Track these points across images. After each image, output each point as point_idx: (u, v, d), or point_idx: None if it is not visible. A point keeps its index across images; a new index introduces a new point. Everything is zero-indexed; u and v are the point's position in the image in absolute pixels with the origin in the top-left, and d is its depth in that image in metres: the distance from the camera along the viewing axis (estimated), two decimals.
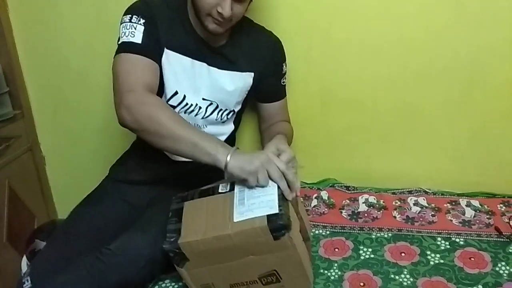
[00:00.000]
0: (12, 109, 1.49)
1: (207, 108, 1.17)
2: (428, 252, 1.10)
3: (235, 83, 1.17)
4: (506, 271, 1.03)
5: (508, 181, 1.32)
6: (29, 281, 1.04)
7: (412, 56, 1.25)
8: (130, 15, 1.05)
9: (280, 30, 1.23)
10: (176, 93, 1.13)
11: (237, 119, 1.28)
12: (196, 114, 1.16)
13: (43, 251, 1.16)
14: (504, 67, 1.20)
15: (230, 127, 1.27)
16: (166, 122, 0.92)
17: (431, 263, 1.07)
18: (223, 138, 1.25)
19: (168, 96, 1.13)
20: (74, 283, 0.98)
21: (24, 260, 1.47)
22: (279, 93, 1.28)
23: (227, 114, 1.22)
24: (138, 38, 1.02)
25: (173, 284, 1.05)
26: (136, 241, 0.98)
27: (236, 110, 1.24)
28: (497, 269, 1.04)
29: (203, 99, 1.16)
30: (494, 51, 1.19)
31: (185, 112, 1.16)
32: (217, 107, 1.18)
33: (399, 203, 1.30)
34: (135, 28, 1.03)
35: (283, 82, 1.26)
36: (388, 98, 1.31)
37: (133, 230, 1.04)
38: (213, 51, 1.13)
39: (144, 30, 1.03)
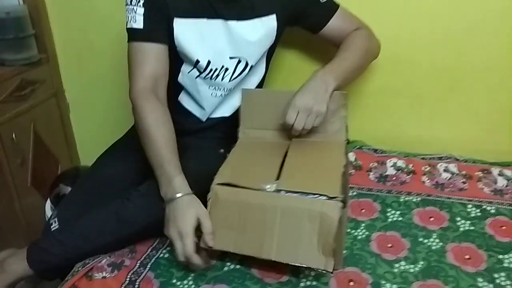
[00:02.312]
0: (38, 53, 1.47)
1: (236, 67, 1.10)
2: (458, 219, 1.08)
3: (258, 32, 1.08)
4: None
5: None
6: (56, 222, 1.06)
7: (455, 16, 1.18)
8: None
9: None
10: (197, 61, 1.07)
11: (268, 62, 1.19)
12: (223, 78, 1.10)
13: (69, 195, 1.17)
14: None
15: (261, 73, 1.19)
16: (151, 142, 0.96)
17: (461, 229, 1.05)
18: (255, 83, 1.19)
19: (190, 67, 1.08)
20: (101, 222, 0.99)
21: (48, 204, 1.49)
22: (324, 12, 1.13)
23: (256, 65, 1.14)
24: (139, 23, 0.99)
25: None
26: None
27: (265, 55, 1.16)
28: None
29: (230, 57, 1.09)
30: None
31: (211, 79, 1.10)
32: (246, 64, 1.11)
33: (428, 168, 1.27)
34: (135, 12, 0.99)
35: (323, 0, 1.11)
36: (425, 59, 1.25)
37: None
38: (228, 3, 1.04)
39: (145, 11, 0.98)
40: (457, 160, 1.31)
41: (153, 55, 1.01)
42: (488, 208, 1.11)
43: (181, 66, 1.09)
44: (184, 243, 0.87)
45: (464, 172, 1.25)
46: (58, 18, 1.50)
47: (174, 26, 1.02)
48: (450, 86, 1.28)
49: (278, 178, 0.91)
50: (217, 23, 1.05)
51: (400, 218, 1.09)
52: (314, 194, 0.84)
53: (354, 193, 1.19)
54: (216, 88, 1.12)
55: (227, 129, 1.19)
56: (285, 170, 0.92)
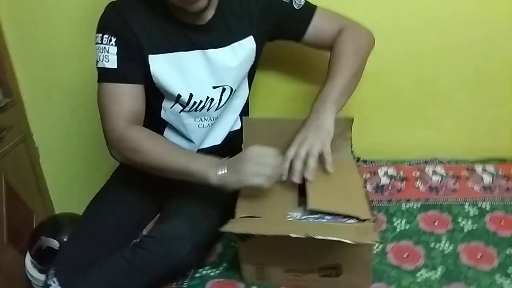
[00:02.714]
0: (2, 97, 1.36)
1: (221, 96, 1.06)
2: (460, 219, 1.13)
3: (238, 56, 1.04)
4: None
5: None
6: (56, 283, 0.97)
7: (429, 32, 1.25)
8: (101, 34, 0.94)
9: None
10: (179, 96, 1.01)
11: (250, 81, 1.16)
12: (209, 109, 1.06)
13: (65, 249, 1.08)
14: None
15: (244, 94, 1.15)
16: (151, 155, 0.92)
17: (465, 229, 1.10)
18: (238, 111, 1.15)
19: (172, 103, 1.03)
20: (114, 276, 0.93)
21: (28, 258, 1.39)
22: (302, 17, 1.07)
23: (239, 86, 1.11)
24: (112, 62, 0.94)
25: (213, 270, 1.01)
26: (179, 225, 0.94)
27: (248, 75, 1.12)
28: None
29: (214, 87, 1.05)
30: (509, 23, 1.21)
31: (195, 111, 1.05)
32: (231, 90, 1.07)
33: (418, 173, 1.32)
34: (107, 51, 0.93)
35: (298, 6, 1.06)
36: (405, 72, 1.31)
37: (171, 216, 0.99)
38: (203, 31, 0.99)
39: (118, 50, 0.93)
40: (441, 162, 1.37)
41: (129, 95, 0.96)
42: (483, 205, 1.17)
43: (162, 102, 1.04)
44: (268, 163, 0.87)
45: (451, 173, 1.31)
46: (21, 57, 1.39)
47: (149, 63, 0.97)
48: (430, 95, 1.35)
49: (300, 204, 0.90)
50: (196, 54, 1.00)
51: (408, 226, 1.11)
52: (344, 216, 0.84)
53: None
54: (203, 119, 1.08)
55: (221, 158, 1.16)
56: (310, 193, 0.90)
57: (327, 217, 0.88)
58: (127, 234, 1.07)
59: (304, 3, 1.08)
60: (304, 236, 0.78)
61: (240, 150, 1.21)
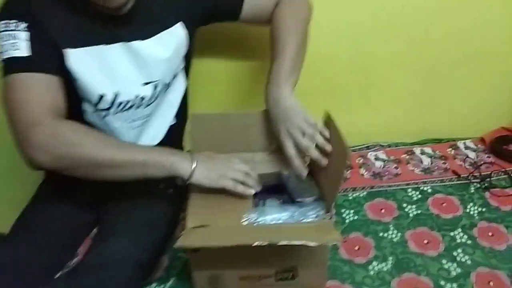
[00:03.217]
0: None
1: (153, 92, 0.95)
2: (404, 205, 1.14)
3: (167, 46, 0.93)
4: (476, 211, 1.11)
5: (452, 125, 1.42)
6: None
7: (367, 11, 1.22)
8: (6, 20, 0.79)
9: None
10: (101, 96, 0.89)
11: (186, 73, 1.06)
12: (138, 107, 0.95)
13: None
14: (449, 17, 1.23)
15: (180, 88, 1.06)
16: (97, 150, 0.79)
17: (410, 215, 1.11)
18: (175, 107, 1.06)
19: (94, 103, 0.90)
20: None
21: None
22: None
23: (173, 80, 1.01)
24: (23, 49, 0.78)
25: (161, 286, 0.94)
26: (120, 244, 0.86)
27: (181, 68, 1.02)
28: (467, 210, 1.11)
29: (145, 84, 0.93)
30: (444, 2, 1.22)
31: (122, 111, 0.93)
32: (165, 84, 0.97)
33: (362, 160, 1.32)
34: (16, 38, 0.78)
35: None
36: (343, 56, 1.29)
37: (108, 232, 0.91)
38: (124, 22, 0.87)
39: (30, 36, 0.79)
40: (382, 146, 1.39)
41: (47, 86, 0.81)
42: (425, 188, 1.20)
43: (81, 105, 0.91)
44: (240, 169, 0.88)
45: (392, 157, 1.33)
46: None
47: (66, 58, 0.84)
48: (367, 78, 1.34)
49: (255, 205, 0.86)
50: (119, 47, 0.88)
51: (356, 217, 1.11)
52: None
53: None
54: (133, 119, 0.98)
55: None
56: None
57: (283, 215, 0.85)
58: (59, 257, 0.97)
59: None
60: (267, 243, 0.73)
61: (180, 146, 1.15)
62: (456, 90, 1.36)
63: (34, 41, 0.80)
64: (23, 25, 0.79)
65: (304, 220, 0.85)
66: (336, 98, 1.36)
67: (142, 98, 0.94)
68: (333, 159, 0.88)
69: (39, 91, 0.79)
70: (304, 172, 0.91)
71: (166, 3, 0.92)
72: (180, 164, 0.84)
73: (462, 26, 1.25)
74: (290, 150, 0.90)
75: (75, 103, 0.90)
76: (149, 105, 0.97)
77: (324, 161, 0.89)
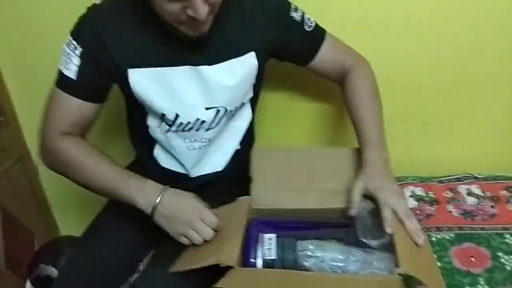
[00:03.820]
0: None
1: (214, 118, 0.93)
2: (500, 254, 0.98)
3: (235, 75, 0.90)
4: None
5: None
6: None
7: (459, 30, 1.08)
8: (71, 38, 0.85)
9: (309, 10, 1.01)
10: (163, 115, 0.91)
11: (254, 103, 1.04)
12: (198, 129, 0.94)
13: (59, 283, 0.97)
14: None
15: (246, 117, 1.03)
16: (81, 170, 0.87)
17: (507, 268, 0.94)
18: (240, 134, 1.03)
19: (158, 121, 0.93)
20: None
21: (29, 286, 1.32)
22: (312, 42, 0.97)
23: (239, 109, 0.98)
24: (72, 72, 0.85)
25: None
26: (161, 278, 0.82)
27: (248, 97, 0.99)
28: None
29: (207, 108, 0.92)
30: None
31: (183, 131, 0.94)
32: (226, 111, 0.94)
33: (451, 193, 1.16)
34: (70, 59, 0.85)
35: (309, 27, 0.95)
36: (427, 78, 1.15)
37: (157, 262, 0.90)
38: (195, 46, 0.86)
39: (81, 64, 0.84)
40: (477, 179, 1.21)
41: (78, 111, 0.89)
42: None
43: (146, 120, 0.95)
44: (203, 217, 0.81)
45: (489, 194, 1.15)
46: (14, 74, 1.30)
47: (128, 77, 0.87)
48: (460, 101, 1.19)
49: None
50: (185, 70, 0.87)
51: (439, 263, 0.97)
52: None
53: None
54: (193, 140, 0.96)
55: (226, 187, 1.04)
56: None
57: (344, 258, 0.76)
58: (123, 268, 0.98)
59: (315, 26, 0.96)
60: None
61: (245, 175, 1.10)
62: None
63: (83, 70, 0.85)
64: (79, 50, 0.84)
65: (367, 271, 0.74)
66: (424, 124, 1.23)
67: (203, 122, 0.93)
68: None
69: (65, 113, 0.88)
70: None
71: (241, 30, 0.89)
72: (139, 202, 0.83)
73: None
74: (388, 214, 0.79)
75: (141, 117, 0.94)
76: (209, 129, 0.95)
77: (419, 240, 0.78)
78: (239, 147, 1.05)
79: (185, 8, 0.73)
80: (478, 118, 1.20)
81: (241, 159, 1.07)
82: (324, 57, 0.98)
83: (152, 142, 0.99)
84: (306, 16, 0.95)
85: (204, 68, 0.88)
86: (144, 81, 0.87)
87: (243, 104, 0.99)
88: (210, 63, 0.88)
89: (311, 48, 0.98)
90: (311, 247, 0.74)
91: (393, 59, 1.13)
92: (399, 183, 1.20)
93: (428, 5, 1.05)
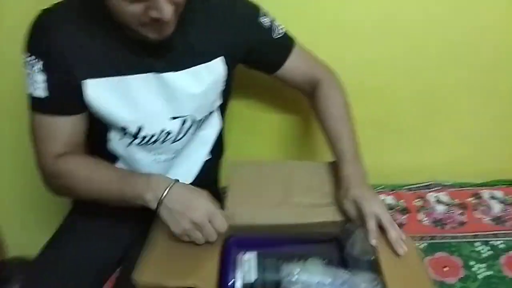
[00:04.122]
0: None
1: (181, 128, 0.88)
2: (472, 263, 0.99)
3: (202, 81, 0.85)
4: None
5: None
6: None
7: (432, 36, 1.08)
8: (27, 54, 0.77)
9: (282, 14, 0.99)
10: (124, 129, 0.84)
11: (223, 110, 1.00)
12: (164, 141, 0.88)
13: None
14: None
15: (215, 125, 0.99)
16: (84, 188, 0.81)
17: (479, 277, 0.96)
18: (209, 144, 0.99)
19: (119, 134, 0.86)
20: None
21: None
22: (280, 49, 0.93)
23: (207, 117, 0.94)
24: (41, 90, 0.77)
25: None
26: None
27: (217, 105, 0.95)
28: None
29: (172, 118, 0.86)
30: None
31: (147, 144, 0.87)
32: (193, 121, 0.89)
33: (421, 202, 1.17)
34: (34, 78, 0.77)
35: (278, 34, 0.91)
36: (406, 85, 1.15)
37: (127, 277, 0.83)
38: (157, 52, 0.79)
39: (47, 77, 0.77)
40: (445, 186, 1.23)
41: (63, 129, 0.81)
42: (496, 243, 1.04)
43: (107, 133, 0.87)
44: (213, 220, 0.74)
45: (457, 201, 1.17)
46: None
47: (84, 89, 0.78)
48: (432, 109, 1.20)
49: None
50: (147, 78, 0.80)
51: None
52: None
53: None
54: (158, 152, 0.90)
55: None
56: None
57: (329, 281, 0.73)
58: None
59: (284, 34, 0.93)
60: None
61: (216, 182, 1.06)
62: None
63: (51, 82, 0.77)
64: (39, 65, 0.76)
65: None
66: (396, 129, 1.23)
67: (168, 133, 0.87)
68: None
69: (53, 135, 0.81)
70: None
71: (207, 35, 0.84)
72: (148, 201, 0.75)
73: None
74: (372, 226, 0.78)
75: (101, 131, 0.86)
76: (176, 140, 0.89)
77: (400, 250, 0.77)
78: (209, 157, 1.01)
79: (148, 8, 0.67)
80: (447, 126, 1.22)
81: (211, 170, 1.04)
82: (292, 66, 0.95)
83: (113, 157, 0.91)
84: (276, 23, 0.92)
85: (168, 75, 0.81)
86: (102, 91, 0.79)
87: (211, 112, 0.94)
88: (175, 69, 0.82)
89: (278, 56, 0.94)
90: (296, 271, 0.71)
91: (366, 66, 1.12)
92: None
93: (401, 12, 1.05)
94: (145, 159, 0.90)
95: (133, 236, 0.97)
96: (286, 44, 0.94)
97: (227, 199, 0.87)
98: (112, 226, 0.97)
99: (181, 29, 0.78)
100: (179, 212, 0.73)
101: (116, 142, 0.88)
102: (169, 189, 0.74)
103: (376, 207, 0.79)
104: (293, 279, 0.70)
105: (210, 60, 0.85)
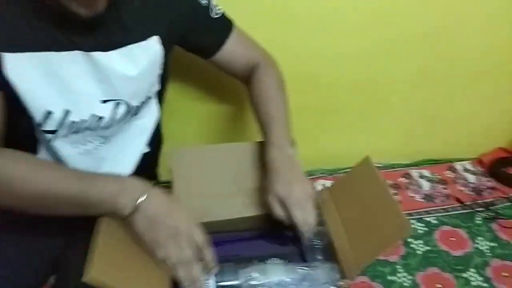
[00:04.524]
0: None
1: (114, 113, 0.77)
2: (410, 240, 1.04)
3: (137, 63, 0.76)
4: (486, 246, 1.03)
5: (449, 145, 1.34)
6: None
7: (365, 30, 1.10)
8: None
9: None
10: (48, 113, 0.71)
11: (161, 98, 0.92)
12: (95, 128, 0.77)
13: None
14: (455, 41, 1.14)
15: (153, 113, 0.90)
16: (29, 182, 0.65)
17: (419, 252, 1.01)
18: (147, 134, 0.90)
19: (38, 121, 0.71)
20: None
21: None
22: (218, 32, 0.88)
23: (144, 104, 0.85)
24: None
25: None
26: None
27: (155, 90, 0.87)
28: (477, 246, 1.03)
29: (103, 101, 0.76)
30: (450, 25, 1.11)
31: (75, 133, 0.76)
32: (128, 107, 0.80)
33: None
34: None
35: (216, 14, 0.86)
36: (343, 73, 1.16)
37: None
38: (87, 29, 0.69)
39: None
40: (378, 168, 1.28)
41: None
42: (429, 219, 1.10)
43: (25, 122, 0.72)
44: (191, 235, 0.66)
45: (390, 181, 1.22)
46: None
47: (3, 64, 0.66)
48: (368, 97, 1.23)
49: None
50: (75, 56, 0.70)
51: None
52: None
53: None
54: (87, 141, 0.79)
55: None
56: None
57: (290, 279, 0.71)
58: None
59: (222, 15, 0.87)
60: None
61: (155, 176, 0.99)
62: (453, 110, 1.28)
63: None
64: None
65: None
66: (333, 116, 1.25)
67: (100, 118, 0.76)
68: (372, 220, 0.74)
69: None
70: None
71: (141, 13, 0.75)
72: (124, 204, 0.65)
73: (461, 51, 1.16)
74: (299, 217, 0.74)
75: (17, 120, 0.71)
76: (108, 128, 0.79)
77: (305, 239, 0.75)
78: (148, 150, 0.93)
79: None
80: (380, 112, 1.26)
81: (149, 163, 0.95)
82: (230, 50, 0.90)
83: (34, 146, 0.77)
84: (213, 2, 0.86)
85: (98, 55, 0.71)
86: (24, 68, 0.67)
87: (149, 98, 0.85)
88: (105, 49, 0.72)
89: (217, 38, 0.88)
90: (254, 275, 0.68)
91: (305, 53, 1.11)
92: (310, 177, 1.22)
93: (343, 3, 1.05)
94: (72, 154, 0.79)
95: (59, 248, 0.86)
96: (224, 25, 0.89)
97: (173, 193, 0.81)
98: (36, 238, 0.85)
99: (113, 6, 0.69)
100: (156, 221, 0.65)
101: (35, 135, 0.74)
102: (148, 193, 0.66)
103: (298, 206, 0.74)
104: (253, 283, 0.67)
105: (144, 39, 0.76)
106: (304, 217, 0.73)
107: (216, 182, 0.84)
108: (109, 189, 0.65)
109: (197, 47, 0.89)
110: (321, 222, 0.78)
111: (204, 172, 0.85)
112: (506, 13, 1.11)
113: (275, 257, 0.73)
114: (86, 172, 0.69)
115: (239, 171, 0.86)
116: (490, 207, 1.13)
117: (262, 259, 0.72)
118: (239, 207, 0.80)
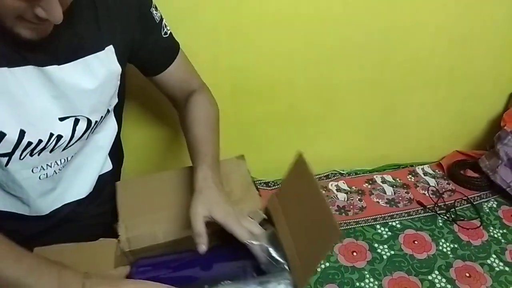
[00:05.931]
0: None
1: (73, 131, 0.73)
2: (376, 245, 1.05)
3: (95, 75, 0.72)
4: (449, 248, 1.05)
5: (409, 150, 1.37)
6: None
7: (328, 32, 1.11)
8: None
9: (180, 5, 0.93)
10: (2, 134, 0.66)
11: (119, 111, 0.87)
12: (53, 149, 0.73)
13: None
14: (409, 46, 1.16)
15: (111, 128, 0.87)
16: None
17: (384, 257, 1.02)
18: (105, 149, 0.87)
19: None
20: None
21: None
22: (166, 52, 0.85)
23: (103, 119, 0.81)
24: None
25: None
26: None
27: (114, 103, 0.82)
28: (440, 248, 1.05)
29: (61, 119, 0.71)
30: (402, 31, 1.14)
31: (32, 155, 0.71)
32: (89, 122, 0.75)
33: (324, 192, 1.21)
34: None
35: (165, 34, 0.83)
36: (303, 80, 1.17)
37: None
38: (36, 43, 0.63)
39: None
40: (342, 175, 1.30)
41: None
42: (393, 223, 1.12)
43: None
44: None
45: (355, 188, 1.24)
46: None
47: None
48: (328, 102, 1.24)
49: None
50: (28, 71, 0.65)
51: (328, 264, 0.99)
52: None
53: None
54: (45, 166, 0.75)
55: (90, 219, 0.88)
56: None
57: None
58: None
59: (170, 34, 0.84)
60: None
61: (113, 198, 0.95)
62: (412, 115, 1.31)
63: None
64: None
65: None
66: (295, 124, 1.25)
67: (59, 137, 0.72)
68: (308, 226, 0.71)
69: None
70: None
71: (96, 24, 0.71)
72: None
73: (416, 55, 1.19)
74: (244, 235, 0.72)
75: None
76: (67, 147, 0.75)
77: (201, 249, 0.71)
78: (107, 168, 0.89)
79: (34, 6, 0.55)
80: (341, 118, 1.27)
81: (109, 182, 0.90)
82: (174, 73, 0.87)
83: None
84: (164, 21, 0.83)
85: (52, 69, 0.67)
86: None
87: (108, 112, 0.81)
88: (59, 62, 0.68)
89: (165, 58, 0.85)
90: None
91: (266, 60, 1.11)
92: (271, 188, 1.21)
93: (299, 8, 1.05)
94: (28, 178, 0.74)
95: None
96: (172, 46, 0.86)
97: (119, 223, 0.78)
98: None
99: (66, 18, 0.66)
100: None
101: None
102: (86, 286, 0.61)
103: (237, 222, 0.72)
104: None
105: (99, 50, 0.73)
106: (241, 228, 0.71)
107: (161, 207, 0.81)
108: (43, 281, 0.59)
109: (144, 63, 0.85)
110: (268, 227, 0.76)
111: (149, 199, 0.83)
112: (455, 17, 1.14)
113: (228, 279, 0.70)
114: (27, 255, 0.61)
115: (181, 195, 0.83)
116: (451, 209, 1.16)
117: (213, 282, 0.69)
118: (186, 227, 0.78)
